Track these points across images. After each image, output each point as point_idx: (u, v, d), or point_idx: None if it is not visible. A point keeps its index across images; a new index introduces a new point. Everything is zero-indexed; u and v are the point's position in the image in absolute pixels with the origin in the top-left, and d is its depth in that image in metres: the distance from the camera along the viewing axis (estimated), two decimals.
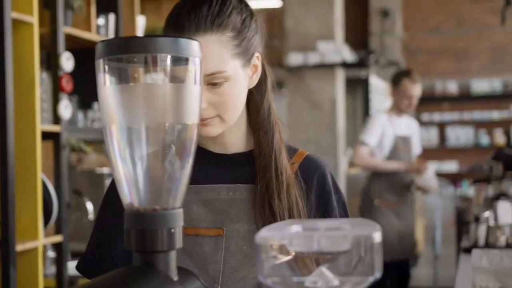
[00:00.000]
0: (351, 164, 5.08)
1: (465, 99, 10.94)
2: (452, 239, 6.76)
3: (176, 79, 0.86)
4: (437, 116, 11.01)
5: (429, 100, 10.95)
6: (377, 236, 0.73)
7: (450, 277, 4.98)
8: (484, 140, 10.87)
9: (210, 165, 1.44)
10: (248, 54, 1.39)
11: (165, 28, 1.35)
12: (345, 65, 7.08)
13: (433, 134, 11.06)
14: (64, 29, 3.47)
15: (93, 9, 3.84)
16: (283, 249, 0.74)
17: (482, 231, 3.02)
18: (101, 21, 3.93)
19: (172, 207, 0.86)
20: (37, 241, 3.18)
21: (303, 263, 0.75)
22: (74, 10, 3.57)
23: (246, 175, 1.42)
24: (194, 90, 0.87)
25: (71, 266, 3.45)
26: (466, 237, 3.55)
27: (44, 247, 3.49)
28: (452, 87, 10.97)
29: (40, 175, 3.20)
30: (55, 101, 3.43)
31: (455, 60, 11.08)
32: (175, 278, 0.85)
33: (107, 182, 3.61)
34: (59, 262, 3.48)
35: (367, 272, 0.73)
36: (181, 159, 0.87)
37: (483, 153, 10.08)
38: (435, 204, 6.73)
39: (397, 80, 4.82)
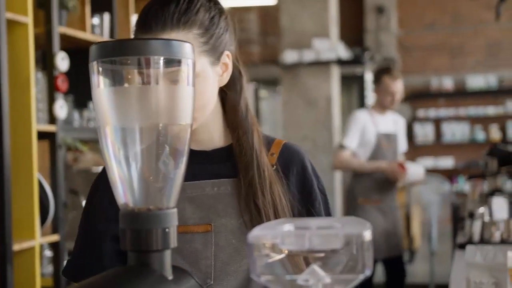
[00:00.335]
0: (333, 168, 5.03)
1: (461, 95, 10.95)
2: (448, 235, 6.77)
3: (169, 81, 0.88)
4: (432, 112, 11.02)
5: (425, 96, 10.97)
6: (368, 234, 0.74)
7: (446, 273, 4.99)
8: (480, 135, 10.89)
9: (191, 163, 1.45)
10: (217, 52, 1.39)
11: (135, 28, 1.36)
12: (340, 62, 7.09)
13: (429, 130, 11.08)
14: (59, 29, 3.48)
15: (88, 9, 3.84)
16: (275, 248, 0.76)
17: (477, 227, 3.03)
18: (95, 20, 3.93)
19: (166, 207, 0.87)
20: (34, 240, 3.19)
21: (295, 261, 0.77)
22: (69, 10, 3.58)
23: (228, 170, 1.43)
24: (187, 91, 0.89)
25: None
26: (462, 233, 3.56)
27: (41, 246, 3.50)
28: (448, 83, 10.98)
29: (36, 175, 3.21)
30: (51, 100, 3.44)
31: (450, 56, 11.10)
32: (170, 277, 0.86)
33: None
34: (56, 262, 3.49)
35: (358, 269, 0.74)
36: (175, 159, 0.89)
37: (479, 148, 10.10)
38: (431, 200, 6.75)
39: (378, 77, 4.81)
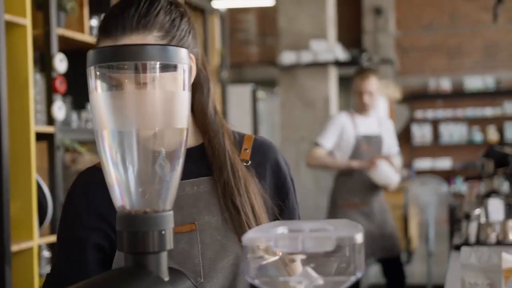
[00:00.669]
0: (307, 165, 4.96)
1: (458, 96, 10.98)
2: (445, 236, 6.79)
3: (165, 86, 0.89)
4: (430, 113, 11.05)
5: (423, 97, 10.99)
6: (359, 237, 0.76)
7: (443, 274, 4.99)
8: (478, 137, 10.91)
9: None
10: None
11: (98, 33, 1.37)
12: (338, 63, 7.11)
13: (426, 131, 11.10)
14: (57, 31, 3.49)
15: (86, 11, 3.85)
16: (269, 250, 0.77)
17: (473, 228, 3.04)
18: (94, 22, 3.94)
19: (162, 210, 0.89)
20: (32, 241, 3.20)
21: (289, 263, 0.78)
22: (67, 12, 3.59)
23: (204, 168, 1.45)
24: (182, 95, 0.91)
25: None
26: (458, 234, 3.57)
27: (39, 247, 3.51)
28: (445, 84, 11.01)
29: (35, 176, 3.22)
30: (49, 102, 3.45)
31: (448, 57, 11.12)
32: (166, 279, 0.87)
33: None
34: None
35: (349, 271, 0.76)
36: (171, 163, 0.90)
37: (476, 149, 10.12)
38: (429, 201, 6.76)
39: (352, 80, 4.80)
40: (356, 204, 4.66)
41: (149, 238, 0.86)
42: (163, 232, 0.87)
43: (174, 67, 0.89)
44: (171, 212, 0.90)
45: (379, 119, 4.89)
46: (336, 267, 0.76)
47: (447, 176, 10.63)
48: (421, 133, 11.08)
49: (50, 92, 3.45)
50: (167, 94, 0.90)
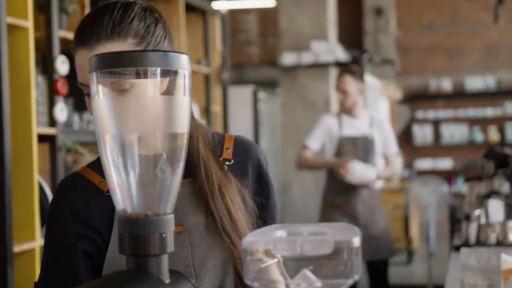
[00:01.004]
0: (296, 167, 4.95)
1: (459, 96, 10.99)
2: (446, 236, 6.80)
3: (166, 91, 0.91)
4: (431, 114, 11.06)
5: (424, 98, 11.01)
6: (357, 240, 0.77)
7: (444, 274, 5.00)
8: (479, 137, 10.92)
9: None
10: None
11: (74, 42, 1.37)
12: (338, 64, 7.12)
13: (427, 132, 11.11)
14: (59, 33, 3.50)
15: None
16: (268, 253, 0.78)
17: (473, 229, 3.05)
18: None
19: (163, 213, 0.90)
20: (34, 242, 3.22)
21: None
22: (69, 14, 3.60)
23: (187, 170, 1.46)
24: (183, 101, 0.92)
25: None
26: (458, 235, 3.58)
27: (41, 248, 3.52)
28: (446, 85, 11.02)
29: (37, 177, 3.23)
30: (51, 104, 3.46)
31: (448, 58, 11.13)
32: (167, 281, 0.89)
33: None
34: None
35: (347, 274, 0.77)
36: (172, 166, 0.92)
37: (477, 150, 10.14)
38: (430, 202, 6.77)
39: None
40: (339, 205, 4.62)
41: (150, 241, 0.88)
42: (164, 235, 0.89)
43: (174, 73, 0.90)
44: (172, 216, 0.91)
45: (372, 120, 4.80)
46: (334, 270, 0.77)
47: (448, 176, 10.64)
48: (422, 134, 11.09)
49: (52, 94, 3.47)
50: (167, 100, 0.92)
